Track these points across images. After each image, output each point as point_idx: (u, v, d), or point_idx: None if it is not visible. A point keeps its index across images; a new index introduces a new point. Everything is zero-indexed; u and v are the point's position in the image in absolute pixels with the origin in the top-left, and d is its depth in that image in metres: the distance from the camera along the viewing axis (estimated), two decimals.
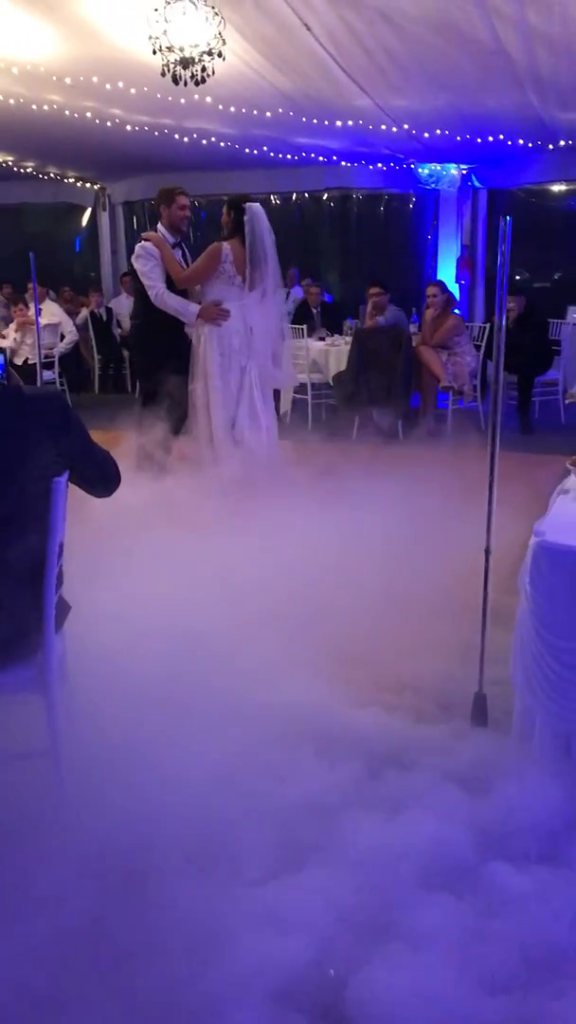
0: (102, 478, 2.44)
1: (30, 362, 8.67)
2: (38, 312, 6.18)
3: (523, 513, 3.09)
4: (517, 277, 10.81)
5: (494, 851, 2.18)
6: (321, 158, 9.87)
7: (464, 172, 10.14)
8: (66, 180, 11.74)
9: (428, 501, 4.35)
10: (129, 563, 3.60)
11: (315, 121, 7.83)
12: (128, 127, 8.20)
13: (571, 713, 2.43)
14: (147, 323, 5.46)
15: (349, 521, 4.22)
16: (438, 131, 8.29)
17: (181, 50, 4.93)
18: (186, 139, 8.73)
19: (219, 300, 5.23)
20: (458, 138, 8.56)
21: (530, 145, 8.80)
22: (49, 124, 7.95)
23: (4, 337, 9.36)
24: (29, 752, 2.32)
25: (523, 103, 7.10)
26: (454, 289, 9.61)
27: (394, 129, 8.11)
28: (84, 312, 10.45)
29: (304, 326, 8.40)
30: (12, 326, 9.28)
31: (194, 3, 4.79)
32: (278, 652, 3.06)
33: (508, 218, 2.56)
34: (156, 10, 4.84)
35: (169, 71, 5.08)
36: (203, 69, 5.03)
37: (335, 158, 9.91)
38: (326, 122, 7.86)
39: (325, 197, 11.39)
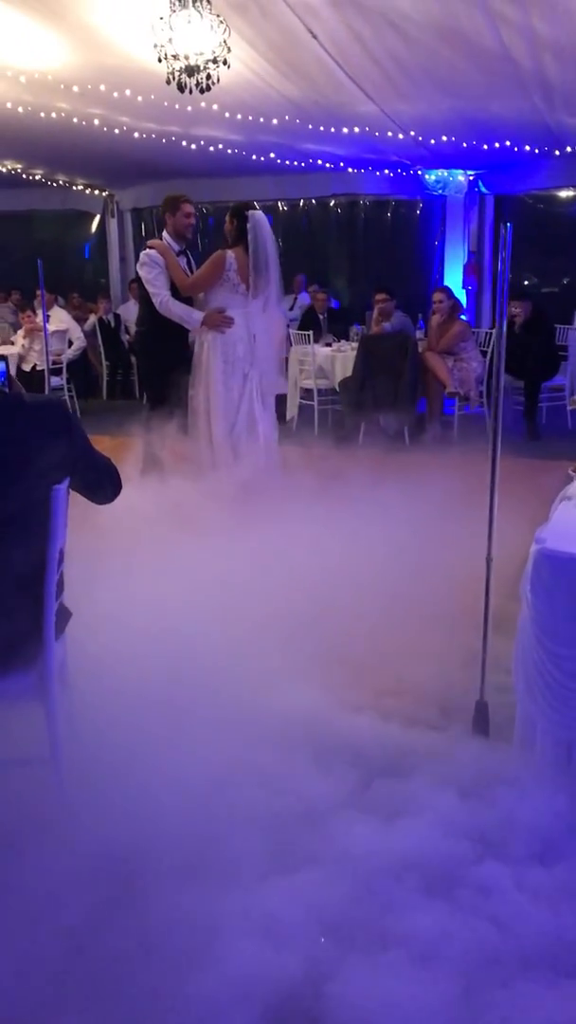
0: (103, 485, 2.44)
1: (38, 368, 8.71)
2: (46, 319, 6.22)
3: (528, 519, 3.08)
4: (524, 282, 10.80)
5: (493, 857, 2.17)
6: (328, 164, 9.89)
7: (471, 178, 10.15)
8: (75, 187, 11.80)
9: (433, 507, 4.35)
10: (129, 567, 3.61)
11: (322, 128, 7.85)
12: (136, 134, 8.24)
13: (572, 721, 2.42)
14: (152, 330, 5.48)
15: (352, 526, 4.22)
16: (445, 137, 8.30)
17: (186, 58, 4.95)
18: (193, 146, 8.76)
19: (223, 307, 5.25)
20: (465, 144, 8.56)
21: (537, 151, 8.81)
22: (57, 132, 8.00)
23: (12, 343, 9.41)
24: (28, 758, 2.32)
25: (530, 109, 7.10)
26: (461, 295, 9.60)
27: (401, 135, 8.13)
28: (92, 318, 10.50)
29: (311, 332, 8.42)
30: (20, 332, 9.33)
31: (199, 11, 4.80)
32: (278, 657, 3.07)
33: (508, 224, 2.55)
34: (161, 18, 4.86)
35: (174, 79, 5.10)
36: (208, 77, 5.05)
37: (342, 164, 9.93)
38: (333, 129, 7.87)
39: (332, 203, 11.40)
